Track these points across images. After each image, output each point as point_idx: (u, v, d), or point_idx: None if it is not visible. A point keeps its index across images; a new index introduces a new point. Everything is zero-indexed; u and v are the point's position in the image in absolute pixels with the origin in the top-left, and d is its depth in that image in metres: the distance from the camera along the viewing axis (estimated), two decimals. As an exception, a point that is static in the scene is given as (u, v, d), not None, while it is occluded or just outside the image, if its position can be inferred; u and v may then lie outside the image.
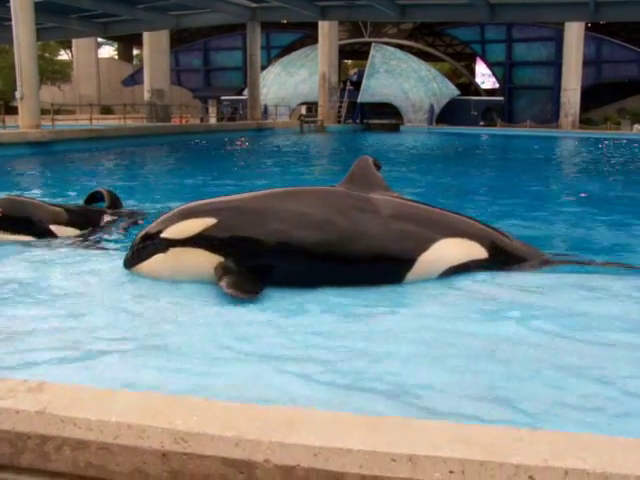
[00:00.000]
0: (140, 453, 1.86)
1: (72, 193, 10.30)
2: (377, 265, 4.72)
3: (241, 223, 4.63)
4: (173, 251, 4.64)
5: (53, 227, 6.35)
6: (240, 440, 1.84)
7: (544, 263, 5.36)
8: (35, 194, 9.48)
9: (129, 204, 8.70)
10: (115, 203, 8.01)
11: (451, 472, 1.74)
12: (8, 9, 21.40)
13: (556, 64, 43.89)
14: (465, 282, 4.70)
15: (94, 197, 8.18)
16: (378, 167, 5.32)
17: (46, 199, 7.00)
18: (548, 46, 45.52)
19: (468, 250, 5.01)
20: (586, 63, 42.20)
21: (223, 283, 4.31)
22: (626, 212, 9.23)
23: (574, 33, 40.59)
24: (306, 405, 2.63)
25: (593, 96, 43.82)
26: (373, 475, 1.76)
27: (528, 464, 1.73)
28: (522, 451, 1.77)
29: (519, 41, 46.77)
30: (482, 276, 4.85)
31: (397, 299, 4.36)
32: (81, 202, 8.14)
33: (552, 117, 43.33)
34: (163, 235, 4.67)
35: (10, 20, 21.54)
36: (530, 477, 1.71)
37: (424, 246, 4.78)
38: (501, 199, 10.71)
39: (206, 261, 4.54)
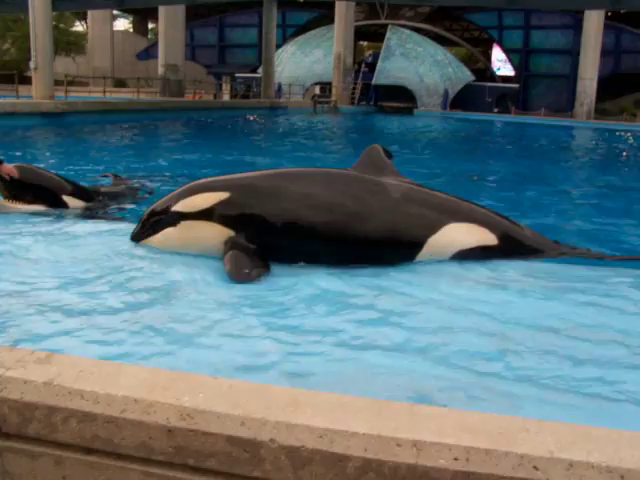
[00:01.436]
0: (146, 428, 1.87)
1: (84, 165, 10.31)
2: (386, 246, 4.74)
3: (253, 200, 4.64)
4: (184, 224, 4.66)
5: (65, 198, 6.38)
6: (246, 419, 1.84)
7: (555, 253, 5.34)
8: (46, 164, 9.49)
9: (137, 178, 8.71)
10: (119, 182, 8.09)
11: (455, 459, 1.74)
12: (24, -22, 21.34)
13: (573, 53, 43.48)
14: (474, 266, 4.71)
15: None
16: (389, 155, 5.34)
17: (53, 171, 6.98)
18: (566, 34, 45.10)
19: (478, 235, 5.01)
20: (604, 52, 41.78)
21: (226, 260, 4.33)
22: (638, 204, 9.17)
23: (593, 22, 40.15)
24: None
25: (610, 86, 43.41)
26: (377, 459, 1.76)
27: (533, 454, 1.73)
28: (528, 441, 1.76)
29: (537, 28, 46.37)
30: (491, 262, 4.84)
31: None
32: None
33: (567, 106, 43.00)
34: (174, 208, 4.69)
35: (26, -11, 21.48)
36: (534, 467, 1.71)
37: (434, 229, 4.79)
38: (512, 186, 10.66)
39: (216, 235, 4.55)
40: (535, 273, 4.69)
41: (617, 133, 31.94)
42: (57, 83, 24.71)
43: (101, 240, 5.13)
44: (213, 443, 1.83)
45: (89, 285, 3.97)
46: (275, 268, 4.39)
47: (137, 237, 4.94)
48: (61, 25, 45.82)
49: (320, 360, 3.03)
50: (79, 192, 6.64)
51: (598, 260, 5.38)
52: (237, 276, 4.20)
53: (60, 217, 6.01)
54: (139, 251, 4.77)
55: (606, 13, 40.90)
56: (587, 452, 1.73)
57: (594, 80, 41.44)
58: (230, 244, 4.49)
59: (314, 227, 4.61)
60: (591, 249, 5.69)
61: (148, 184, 8.35)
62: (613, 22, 43.14)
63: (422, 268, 4.63)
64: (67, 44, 47.97)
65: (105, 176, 8.22)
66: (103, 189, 7.49)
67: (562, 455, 1.72)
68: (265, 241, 4.55)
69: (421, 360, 3.07)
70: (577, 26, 42.74)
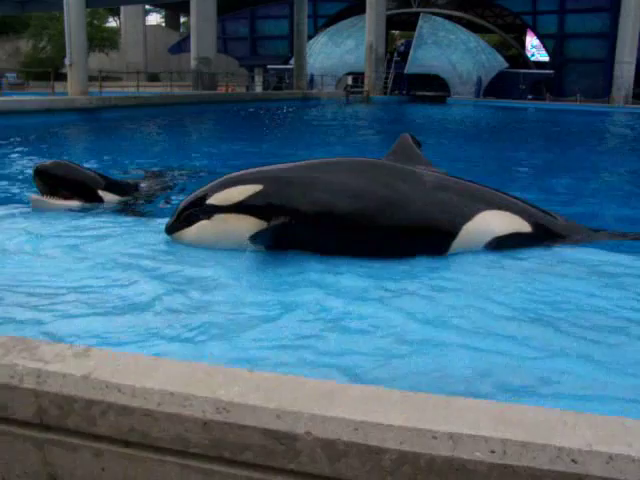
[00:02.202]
0: (182, 421, 1.88)
1: (118, 159, 10.41)
2: (423, 234, 4.73)
3: (287, 191, 4.66)
4: (218, 217, 4.69)
5: (101, 192, 6.46)
6: (282, 412, 1.84)
7: (588, 238, 5.30)
8: (81, 160, 9.61)
9: (171, 171, 8.79)
10: (151, 178, 8.17)
11: (492, 452, 1.72)
12: (59, -24, 21.57)
13: (610, 36, 42.61)
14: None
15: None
16: (418, 145, 5.35)
17: (87, 165, 7.07)
18: (602, 17, 44.21)
19: (512, 222, 5.01)
20: (642, 36, 40.87)
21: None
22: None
23: (631, 3, 39.25)
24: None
25: (648, 70, 42.51)
26: (414, 452, 1.75)
27: (571, 447, 1.70)
28: (566, 434, 1.74)
29: (572, 12, 45.52)
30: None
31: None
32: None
33: (604, 91, 42.20)
34: (209, 202, 4.72)
35: (61, -13, 21.72)
36: (573, 460, 1.68)
37: (469, 216, 4.78)
38: (545, 174, 10.52)
39: (251, 227, 4.57)
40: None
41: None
42: (91, 79, 24.99)
43: (136, 235, 5.19)
44: (249, 436, 1.84)
45: (126, 281, 4.02)
46: (311, 259, 4.40)
47: (171, 230, 4.99)
48: (95, 22, 46.24)
49: (365, 354, 3.02)
50: (114, 186, 6.72)
51: (634, 241, 5.33)
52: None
53: (96, 212, 6.08)
54: (174, 246, 4.81)
55: (644, -5, 40.01)
56: (627, 445, 1.70)
57: (632, 64, 40.55)
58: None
59: (349, 217, 4.61)
60: (628, 233, 5.60)
61: (181, 178, 8.41)
62: (651, 4, 42.19)
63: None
64: (101, 40, 48.40)
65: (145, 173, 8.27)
66: (138, 183, 7.57)
67: (601, 448, 1.69)
68: (298, 232, 4.55)
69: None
70: (614, 8, 41.85)
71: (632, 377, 2.83)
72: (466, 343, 3.14)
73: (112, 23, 61.82)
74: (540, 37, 48.30)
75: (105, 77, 31.22)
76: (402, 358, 2.98)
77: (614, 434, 1.74)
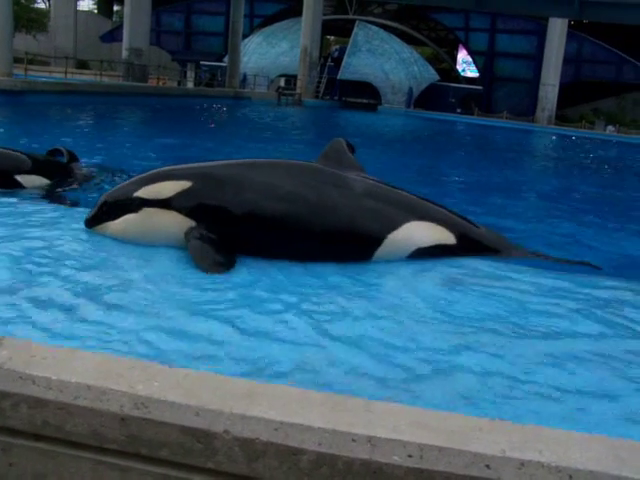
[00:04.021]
0: (99, 415, 1.84)
1: (39, 145, 10.08)
2: (347, 240, 4.73)
3: (216, 190, 4.60)
4: (146, 211, 4.56)
5: (19, 177, 6.15)
6: (201, 409, 1.82)
7: (512, 253, 5.41)
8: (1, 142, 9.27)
9: (95, 162, 8.55)
10: (73, 160, 7.69)
11: (409, 456, 1.75)
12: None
13: (537, 58, 44.13)
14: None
15: (52, 154, 7.82)
16: (352, 150, 5.34)
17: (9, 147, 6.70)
18: (530, 40, 45.73)
19: (437, 234, 5.06)
20: (566, 60, 42.52)
21: (192, 250, 4.29)
22: (594, 210, 9.35)
23: (557, 29, 40.84)
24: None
25: (570, 93, 44.18)
26: (332, 453, 1.76)
27: (485, 453, 1.75)
28: (481, 440, 1.78)
29: (502, 32, 46.92)
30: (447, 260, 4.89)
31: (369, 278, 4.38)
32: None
33: (529, 110, 43.63)
34: (137, 194, 4.59)
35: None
36: (487, 466, 1.73)
37: (394, 225, 4.81)
38: (471, 186, 10.78)
39: (178, 224, 4.49)
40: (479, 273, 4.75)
41: (574, 138, 32.51)
42: (17, 61, 24.17)
43: (55, 224, 5.02)
44: (167, 433, 1.81)
45: (41, 270, 3.89)
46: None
47: (93, 222, 4.76)
48: (22, 0, 44.78)
49: (280, 351, 3.02)
50: (37, 168, 6.35)
51: (546, 261, 5.48)
52: (206, 268, 4.15)
53: (14, 198, 5.83)
54: (94, 237, 4.68)
55: (569, 22, 41.57)
56: (538, 452, 1.76)
57: (556, 86, 42.19)
58: (192, 235, 4.43)
59: (275, 219, 4.58)
60: (543, 253, 5.76)
61: (104, 170, 8.14)
62: (575, 31, 43.87)
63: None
64: (28, 21, 46.93)
65: (55, 150, 7.74)
66: (69, 164, 7.18)
67: (514, 454, 1.75)
68: (226, 232, 4.51)
69: (377, 356, 3.08)
70: (541, 32, 43.40)
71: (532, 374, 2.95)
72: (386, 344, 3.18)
73: (41, 5, 60.02)
74: (471, 53, 49.52)
75: (31, 60, 30.26)
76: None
77: (527, 441, 1.80)
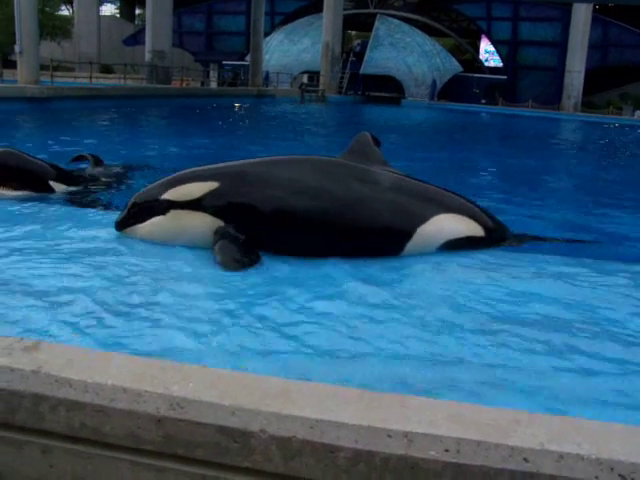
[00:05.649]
0: (135, 417, 1.85)
1: (68, 149, 10.19)
2: (378, 234, 4.73)
3: (244, 189, 4.61)
4: (174, 213, 4.60)
5: (52, 183, 6.33)
6: (237, 409, 1.83)
7: (518, 241, 5.43)
8: (30, 150, 9.37)
9: (121, 163, 8.64)
10: (98, 165, 7.87)
11: (446, 450, 1.73)
12: (9, -40, 21.03)
13: (561, 45, 43.56)
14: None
15: (78, 160, 8.01)
16: (377, 144, 5.32)
17: (39, 156, 6.88)
18: (554, 26, 45.13)
19: (466, 226, 5.06)
20: (591, 46, 41.91)
21: (216, 250, 4.32)
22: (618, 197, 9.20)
23: (581, 14, 40.26)
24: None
25: (596, 79, 43.56)
26: (368, 450, 1.75)
27: (523, 446, 1.72)
28: (519, 433, 1.76)
29: (525, 20, 46.37)
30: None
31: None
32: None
33: (554, 98, 43.10)
34: (164, 197, 4.62)
35: (11, -29, 21.18)
36: (524, 459, 1.71)
37: (424, 218, 4.80)
38: (496, 178, 10.68)
39: (206, 225, 4.52)
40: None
41: (604, 126, 32.07)
42: (42, 68, 24.44)
43: (86, 227, 5.08)
44: (203, 433, 1.82)
45: (77, 274, 3.93)
46: (265, 258, 4.37)
47: (122, 225, 4.83)
48: (47, 9, 45.19)
49: (315, 350, 3.02)
50: (65, 177, 6.58)
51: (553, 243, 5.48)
52: (228, 266, 4.18)
53: (46, 202, 5.94)
54: (125, 240, 4.72)
55: (594, 6, 41.00)
56: (577, 444, 1.73)
57: (581, 73, 41.61)
58: (220, 234, 4.45)
59: (305, 216, 4.58)
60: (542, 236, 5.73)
61: (131, 171, 8.25)
62: (600, 15, 43.23)
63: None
64: (53, 28, 47.28)
65: (80, 157, 7.93)
66: (89, 173, 7.40)
67: (552, 447, 1.72)
68: (254, 231, 4.52)
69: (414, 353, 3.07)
70: (565, 19, 42.81)
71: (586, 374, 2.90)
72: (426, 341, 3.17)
73: (65, 11, 60.50)
74: (494, 43, 49.03)
75: (57, 67, 30.56)
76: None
77: (565, 434, 1.78)
